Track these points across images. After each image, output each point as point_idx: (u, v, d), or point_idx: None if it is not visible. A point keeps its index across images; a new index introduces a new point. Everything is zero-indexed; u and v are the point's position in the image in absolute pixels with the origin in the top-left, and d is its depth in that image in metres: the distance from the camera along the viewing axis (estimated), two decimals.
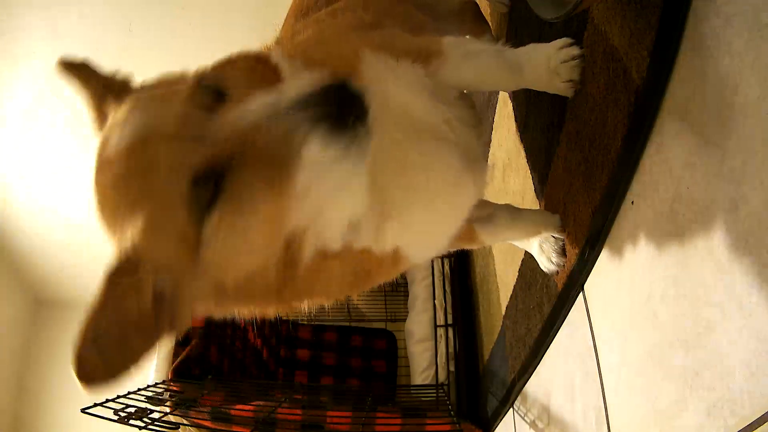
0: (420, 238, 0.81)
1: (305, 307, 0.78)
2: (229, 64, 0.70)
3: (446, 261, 2.48)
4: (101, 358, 0.57)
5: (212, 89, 0.62)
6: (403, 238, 0.77)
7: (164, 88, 0.66)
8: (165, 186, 0.57)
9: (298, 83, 0.59)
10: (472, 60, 0.91)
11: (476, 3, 1.44)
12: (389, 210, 0.74)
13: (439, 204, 0.81)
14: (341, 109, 0.57)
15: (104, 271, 0.59)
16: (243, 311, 0.72)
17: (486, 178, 0.91)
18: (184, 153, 0.57)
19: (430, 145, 0.79)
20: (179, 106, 0.60)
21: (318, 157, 0.56)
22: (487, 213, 1.06)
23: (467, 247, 1.12)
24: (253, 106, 0.57)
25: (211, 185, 0.57)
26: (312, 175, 0.58)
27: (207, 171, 0.57)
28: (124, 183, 0.58)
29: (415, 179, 0.76)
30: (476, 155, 0.88)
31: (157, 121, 0.59)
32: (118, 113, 0.63)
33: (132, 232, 0.58)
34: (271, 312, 0.74)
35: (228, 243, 0.59)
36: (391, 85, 0.79)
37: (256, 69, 0.69)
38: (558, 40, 0.94)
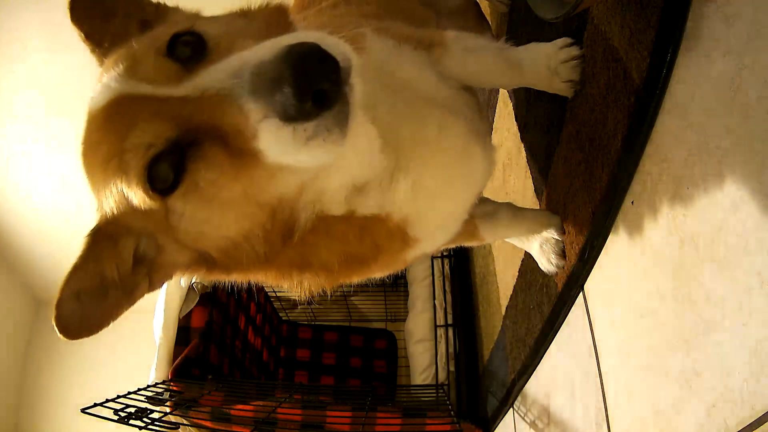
0: (430, 209, 0.79)
1: (306, 282, 0.75)
2: (241, 15, 0.67)
3: (446, 261, 2.48)
4: (81, 311, 0.61)
5: (192, 43, 0.58)
6: (413, 204, 0.75)
7: (146, 42, 0.61)
8: (129, 160, 0.56)
9: (267, 45, 0.51)
10: (474, 54, 0.92)
11: (477, 3, 1.44)
12: (400, 169, 0.72)
13: (449, 170, 0.79)
14: (306, 78, 0.47)
15: (88, 231, 0.61)
16: (238, 277, 0.72)
17: (494, 157, 0.89)
18: (147, 128, 0.54)
19: (437, 114, 0.78)
20: (152, 65, 0.57)
21: (275, 136, 0.50)
22: (489, 209, 1.06)
23: (469, 243, 1.12)
24: (221, 68, 0.52)
25: (177, 157, 0.55)
26: (277, 151, 0.52)
27: (170, 146, 0.54)
28: (97, 147, 0.58)
29: (424, 144, 0.75)
30: (483, 131, 0.87)
31: (126, 85, 0.56)
32: (106, 65, 0.61)
33: (109, 197, 0.59)
34: (270, 279, 0.74)
35: (196, 216, 0.59)
36: (393, 59, 0.78)
37: (270, 22, 0.65)
38: (558, 40, 0.94)
